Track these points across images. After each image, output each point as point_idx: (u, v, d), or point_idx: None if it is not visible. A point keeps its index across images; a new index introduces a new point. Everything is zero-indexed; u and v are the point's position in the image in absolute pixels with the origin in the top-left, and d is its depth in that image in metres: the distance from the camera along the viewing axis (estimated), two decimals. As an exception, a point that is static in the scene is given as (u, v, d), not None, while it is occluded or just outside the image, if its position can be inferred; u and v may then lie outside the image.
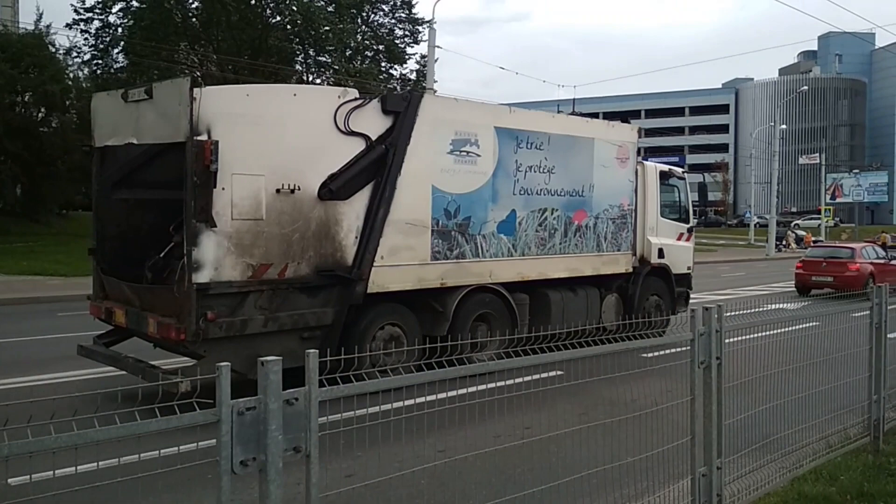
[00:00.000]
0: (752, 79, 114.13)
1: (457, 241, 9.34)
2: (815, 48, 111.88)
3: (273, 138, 7.68)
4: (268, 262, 7.58)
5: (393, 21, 33.93)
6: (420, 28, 33.28)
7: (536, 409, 4.02)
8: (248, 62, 29.29)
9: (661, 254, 12.53)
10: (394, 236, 8.59)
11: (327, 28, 30.03)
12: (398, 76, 34.80)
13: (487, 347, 9.27)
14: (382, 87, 32.80)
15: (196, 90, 7.03)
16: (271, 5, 31.78)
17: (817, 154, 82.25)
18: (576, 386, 4.02)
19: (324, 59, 32.60)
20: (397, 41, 33.75)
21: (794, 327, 5.74)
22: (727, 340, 4.52)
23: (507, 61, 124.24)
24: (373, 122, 8.46)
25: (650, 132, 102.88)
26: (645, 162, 12.78)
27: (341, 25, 30.34)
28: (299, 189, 7.76)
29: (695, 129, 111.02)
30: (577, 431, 3.99)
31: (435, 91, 27.48)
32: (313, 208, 7.94)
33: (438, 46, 27.15)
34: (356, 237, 8.31)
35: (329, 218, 8.10)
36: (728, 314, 4.58)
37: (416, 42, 33.92)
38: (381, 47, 33.41)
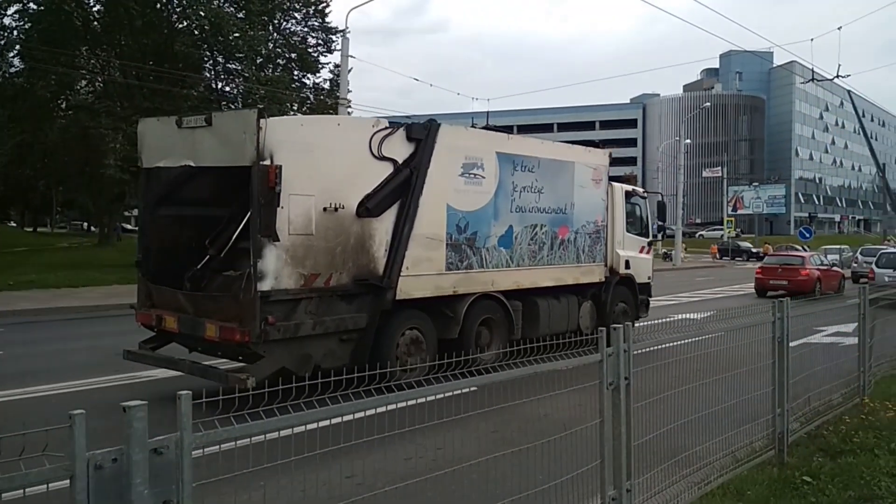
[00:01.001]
0: (659, 94, 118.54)
1: (466, 253, 10.44)
2: (717, 66, 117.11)
3: (321, 163, 8.64)
4: (316, 272, 8.54)
5: (306, 29, 33.32)
6: (333, 37, 32.80)
7: (448, 429, 3.82)
8: (152, 68, 28.14)
9: (627, 265, 13.77)
10: (416, 249, 9.62)
11: (237, 35, 29.19)
12: (311, 85, 34.21)
13: (491, 348, 10.46)
14: (295, 96, 32.20)
15: (262, 121, 7.89)
16: (178, 10, 30.70)
17: (720, 167, 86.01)
18: (490, 403, 3.86)
19: (234, 66, 31.66)
20: (310, 50, 33.15)
21: (701, 338, 5.74)
22: (636, 352, 4.45)
23: (423, 72, 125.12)
24: (399, 148, 9.49)
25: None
26: (612, 182, 13.79)
27: (252, 32, 29.54)
28: (342, 208, 8.76)
29: (605, 143, 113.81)
30: (489, 452, 3.85)
31: (349, 101, 27.19)
32: (352, 224, 8.94)
33: (352, 56, 26.84)
34: (386, 250, 9.32)
35: (364, 233, 9.11)
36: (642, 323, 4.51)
37: (330, 51, 33.41)
38: (293, 55, 32.73)
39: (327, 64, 34.33)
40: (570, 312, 12.39)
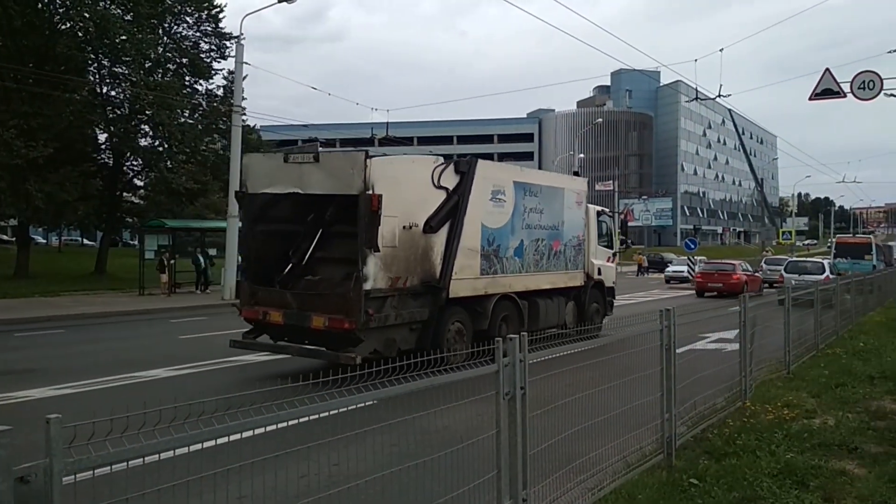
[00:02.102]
0: (554, 110, 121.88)
1: (493, 261, 13.08)
2: (609, 83, 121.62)
3: (402, 191, 11.02)
4: (398, 276, 11.01)
5: (198, 34, 32.35)
6: (227, 43, 31.99)
7: (346, 444, 3.70)
8: (32, 70, 26.57)
9: (599, 272, 16.92)
10: (461, 258, 12.15)
11: (124, 37, 27.97)
12: (204, 91, 33.21)
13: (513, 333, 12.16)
14: (186, 102, 31.12)
15: (368, 160, 10.33)
16: (60, 11, 29.17)
17: (611, 181, 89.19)
18: (389, 417, 3.80)
19: (120, 69, 30.34)
20: (202, 55, 32.20)
21: (595, 346, 5.85)
22: (532, 362, 4.48)
23: (321, 81, 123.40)
24: (450, 178, 12.07)
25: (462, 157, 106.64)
26: (588, 204, 16.70)
27: (140, 35, 28.37)
28: (415, 226, 11.36)
29: (503, 156, 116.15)
30: (387, 466, 3.77)
31: (244, 108, 26.52)
32: (420, 239, 11.47)
33: (247, 62, 26.30)
34: (441, 259, 11.83)
35: (428, 246, 11.63)
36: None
37: (224, 57, 32.58)
38: (184, 60, 31.69)
39: (221, 70, 33.54)
40: (560, 310, 15.29)
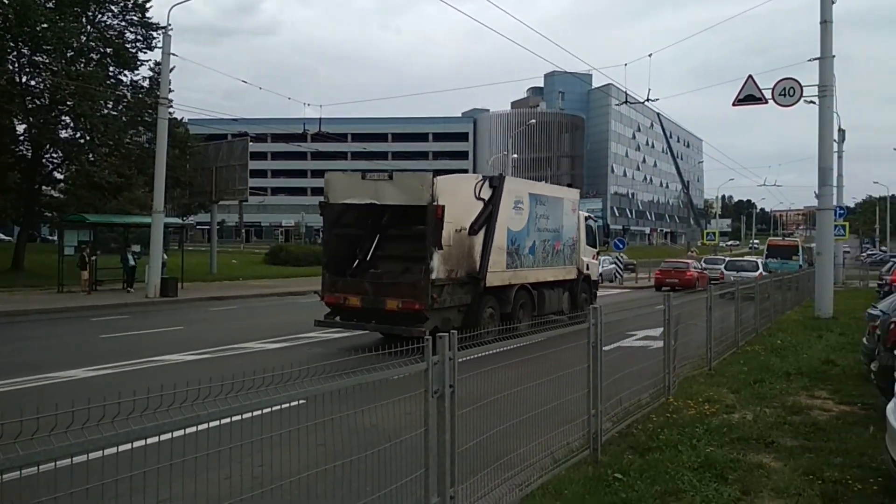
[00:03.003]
0: (489, 110, 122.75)
1: (514, 258, 15.90)
2: (542, 85, 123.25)
3: (455, 202, 13.92)
4: (452, 269, 13.87)
5: (123, 23, 31.21)
6: (154, 33, 31.02)
7: (274, 445, 3.62)
8: (-56, 58, 25.23)
9: (587, 267, 20.21)
10: (494, 255, 14.95)
11: (45, 25, 26.83)
12: (129, 83, 32.12)
13: (523, 321, 15.13)
14: (110, 94, 30.08)
15: (436, 179, 13.47)
16: (-23, -3, 27.76)
17: (544, 182, 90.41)
18: (317, 416, 3.71)
19: (41, 58, 29.06)
20: (128, 45, 31.12)
21: (524, 344, 5.90)
22: (461, 360, 4.49)
23: (252, 75, 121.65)
24: (486, 191, 15.01)
25: (396, 155, 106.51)
26: (579, 211, 19.88)
27: (62, 24, 27.27)
28: (464, 229, 14.24)
29: (438, 155, 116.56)
30: (315, 466, 3.70)
31: (170, 101, 25.78)
32: (466, 240, 14.31)
33: (174, 54, 25.50)
34: (480, 256, 14.68)
35: (471, 245, 14.49)
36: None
37: (150, 48, 31.54)
38: (108, 50, 30.57)
39: (147, 61, 32.50)
40: (559, 299, 18.18)
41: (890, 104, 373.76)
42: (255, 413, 3.29)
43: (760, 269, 32.71)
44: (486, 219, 14.82)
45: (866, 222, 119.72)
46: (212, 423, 3.07)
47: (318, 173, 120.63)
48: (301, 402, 3.58)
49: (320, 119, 36.72)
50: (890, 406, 5.91)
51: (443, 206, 13.35)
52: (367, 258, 15.24)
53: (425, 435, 4.16)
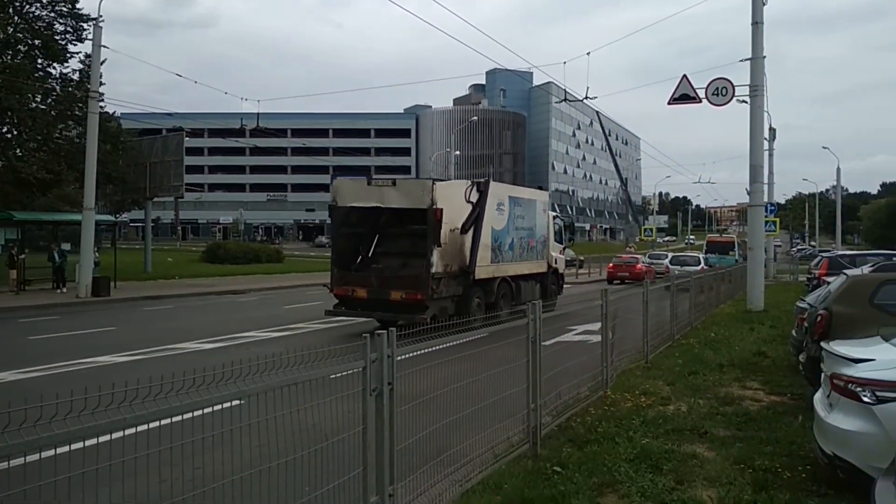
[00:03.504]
0: (431, 106, 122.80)
1: (497, 253, 17.67)
2: (484, 82, 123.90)
3: (451, 205, 15.79)
4: (447, 263, 15.67)
5: (52, 14, 30.10)
6: (85, 25, 30.00)
7: (213, 446, 3.52)
8: None
9: (555, 261, 22.03)
10: (481, 251, 16.71)
11: (-32, 16, 25.70)
12: (58, 75, 30.99)
13: (504, 309, 16.51)
14: (38, 87, 28.99)
15: (435, 184, 15.46)
16: None
17: (487, 179, 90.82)
18: (256, 416, 3.64)
19: (-37, 49, 27.85)
20: (57, 37, 30.02)
21: (464, 340, 5.89)
22: (401, 357, 4.46)
23: (188, 68, 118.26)
24: (474, 195, 16.83)
25: (338, 151, 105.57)
26: (548, 211, 21.77)
27: (-13, 15, 26.17)
28: (457, 229, 16.09)
29: (380, 151, 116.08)
30: (253, 467, 3.64)
31: (101, 94, 25.00)
32: (458, 238, 16.14)
33: (105, 46, 24.72)
34: (469, 252, 16.46)
35: (462, 243, 16.31)
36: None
37: (80, 39, 30.48)
38: (36, 42, 29.44)
39: (77, 53, 31.41)
40: (533, 289, 19.78)
41: (819, 104, 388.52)
42: (190, 414, 3.21)
43: (702, 264, 35.67)
44: (475, 219, 16.70)
45: (796, 218, 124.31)
46: (143, 427, 2.97)
47: (257, 169, 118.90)
48: (239, 402, 3.50)
49: (258, 114, 36.08)
50: (817, 396, 6.13)
51: (441, 209, 15.36)
52: (369, 255, 17.21)
53: (363, 433, 4.13)
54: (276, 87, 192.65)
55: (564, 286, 23.75)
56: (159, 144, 36.74)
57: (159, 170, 35.81)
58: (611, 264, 39.63)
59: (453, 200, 15.99)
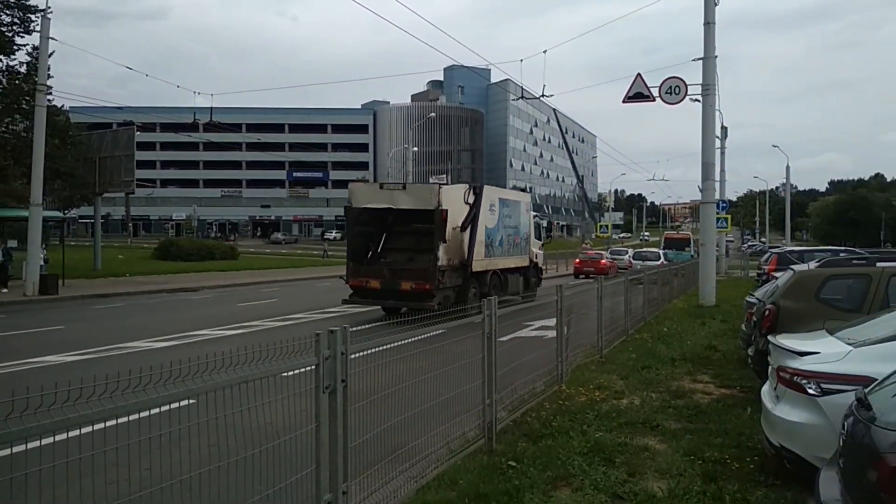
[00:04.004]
0: (388, 102, 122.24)
1: (489, 249, 19.77)
2: (442, 78, 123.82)
3: (453, 206, 17.77)
4: (450, 258, 17.67)
5: (-1, 6, 29.21)
6: (32, 16, 29.14)
7: (158, 447, 3.45)
8: None
9: (536, 257, 24.53)
10: (477, 247, 18.67)
11: None
12: (3, 68, 30.03)
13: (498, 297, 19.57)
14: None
15: (440, 188, 17.76)
16: None
17: (444, 175, 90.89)
18: (206, 414, 3.58)
19: None
20: (3, 28, 29.09)
21: (420, 337, 5.88)
22: (354, 356, 4.43)
23: (139, 61, 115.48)
24: (471, 197, 18.85)
25: (294, 147, 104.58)
26: (530, 211, 24.18)
27: (-71, 4, 25.20)
28: (457, 228, 18.05)
29: (337, 147, 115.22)
30: (204, 464, 3.57)
31: (49, 87, 24.37)
32: (458, 235, 18.13)
33: (54, 38, 24.08)
34: (468, 247, 18.43)
35: (462, 239, 18.31)
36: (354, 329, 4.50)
37: (28, 31, 29.60)
38: (-18, 34, 28.54)
39: (24, 45, 30.49)
40: (518, 282, 22.13)
41: (770, 103, 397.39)
42: (139, 415, 3.14)
43: (662, 259, 39.11)
44: (472, 219, 18.70)
45: (748, 215, 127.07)
46: (88, 428, 2.90)
47: (211, 164, 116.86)
48: (189, 401, 3.44)
49: (212, 108, 35.54)
50: (764, 388, 6.28)
51: (446, 210, 17.38)
52: (379, 250, 19.20)
53: (317, 431, 4.09)
54: (230, 82, 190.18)
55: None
56: (109, 139, 35.91)
57: (109, 165, 35.01)
58: (577, 260, 41.98)
59: (455, 202, 18.07)
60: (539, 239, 25.25)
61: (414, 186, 19.04)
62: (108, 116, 48.40)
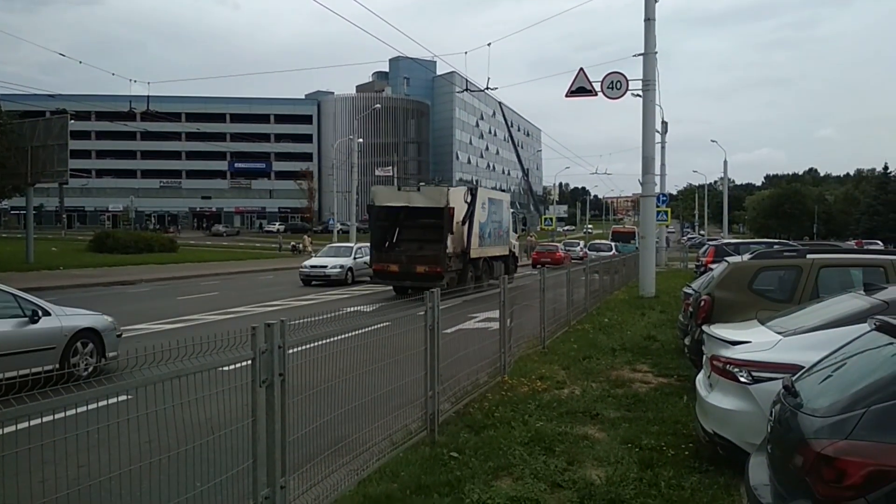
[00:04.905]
0: (333, 93, 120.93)
1: (482, 240, 23.64)
2: (388, 69, 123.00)
3: (457, 204, 21.92)
4: (455, 246, 21.82)
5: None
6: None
7: (93, 444, 3.34)
8: None
9: (513, 247, 28.51)
10: (473, 238, 22.62)
11: None
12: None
13: (485, 281, 22.70)
14: None
15: (448, 190, 22.13)
16: None
17: (390, 167, 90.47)
18: (142, 409, 3.51)
19: None
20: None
21: (360, 331, 5.83)
22: (294, 350, 4.38)
23: (72, 47, 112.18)
24: (468, 197, 22.75)
25: (235, 137, 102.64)
26: (510, 208, 28.25)
27: None
28: (461, 221, 22.20)
29: (280, 137, 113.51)
30: (141, 460, 3.51)
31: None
32: (460, 228, 22.19)
33: (-19, 22, 23.07)
34: (467, 238, 22.38)
35: (462, 232, 22.30)
36: (293, 322, 4.44)
37: (-46, 14, 28.41)
38: None
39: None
40: (500, 267, 25.23)
41: (708, 98, 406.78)
42: (73, 410, 3.05)
43: (613, 250, 44.85)
44: (470, 215, 22.48)
45: (687, 208, 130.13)
46: (19, 425, 2.80)
47: (150, 154, 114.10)
48: (126, 397, 3.35)
49: (148, 97, 34.63)
50: (699, 377, 6.44)
51: (453, 208, 21.43)
52: (394, 241, 23.17)
53: (253, 425, 4.03)
54: (168, 70, 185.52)
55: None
56: (42, 127, 34.60)
57: (42, 154, 33.76)
58: (535, 252, 45.57)
59: (458, 201, 21.99)
60: (515, 231, 30.15)
61: (427, 188, 23.08)
62: (40, 104, 46.71)
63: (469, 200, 22.67)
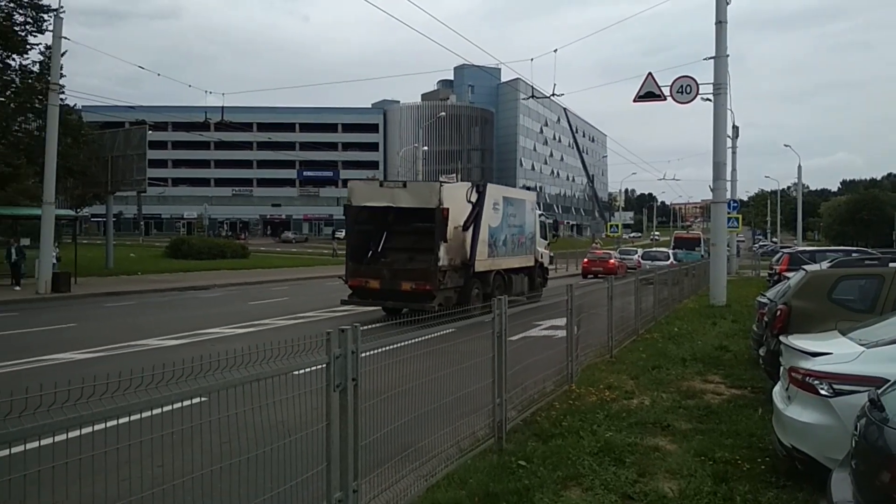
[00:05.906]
0: (399, 101, 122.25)
1: (492, 249, 19.24)
2: (452, 78, 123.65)
3: (454, 205, 17.21)
4: (451, 258, 17.18)
5: (11, 5, 29.34)
6: (45, 15, 29.33)
7: (170, 445, 3.46)
8: None
9: (541, 256, 24.02)
10: (479, 246, 18.17)
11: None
12: (17, 67, 30.24)
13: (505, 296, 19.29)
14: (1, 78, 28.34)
15: (442, 186, 17.11)
16: None
17: (454, 174, 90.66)
18: (218, 412, 3.58)
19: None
20: (16, 28, 29.31)
21: (429, 336, 5.87)
22: (365, 354, 4.44)
23: (151, 61, 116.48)
24: (474, 196, 18.35)
25: (304, 146, 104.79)
26: (536, 210, 23.88)
27: (-57, 3, 25.40)
28: (459, 227, 17.57)
29: (348, 146, 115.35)
30: (216, 462, 3.58)
31: (62, 86, 24.52)
32: (460, 235, 17.64)
33: (66, 37, 24.22)
34: (470, 247, 17.94)
35: (463, 239, 17.83)
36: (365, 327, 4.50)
37: (41, 31, 29.80)
38: (-5, 33, 28.73)
39: (37, 45, 30.74)
40: (522, 282, 21.66)
41: (782, 102, 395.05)
42: (151, 412, 3.15)
43: (671, 259, 38.23)
44: (474, 218, 18.17)
45: (759, 215, 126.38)
46: (101, 425, 2.91)
47: (222, 163, 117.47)
48: (201, 399, 3.45)
49: (223, 108, 35.70)
50: (776, 389, 6.25)
51: (447, 209, 16.83)
52: (379, 250, 18.49)
53: (327, 429, 4.10)
54: (241, 81, 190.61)
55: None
56: (121, 138, 36.10)
57: (121, 164, 35.21)
58: (585, 260, 41.20)
59: (457, 200, 17.59)
60: (545, 238, 24.77)
61: (414, 184, 18.82)
62: (120, 116, 48.70)
63: (474, 200, 18.29)
